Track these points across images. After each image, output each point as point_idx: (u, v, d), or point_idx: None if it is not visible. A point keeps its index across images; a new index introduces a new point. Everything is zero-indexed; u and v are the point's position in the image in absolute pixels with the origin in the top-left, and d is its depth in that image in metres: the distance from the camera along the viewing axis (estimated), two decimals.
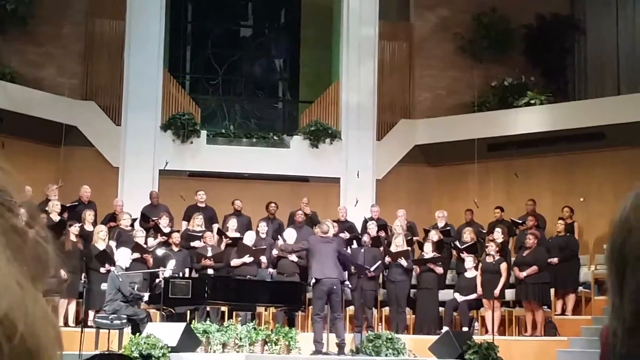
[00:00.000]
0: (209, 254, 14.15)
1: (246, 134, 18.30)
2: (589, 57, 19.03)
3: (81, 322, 12.86)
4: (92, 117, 17.29)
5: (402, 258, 14.26)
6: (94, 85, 17.70)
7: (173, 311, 12.42)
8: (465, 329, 13.95)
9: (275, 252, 14.57)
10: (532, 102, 17.55)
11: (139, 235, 14.16)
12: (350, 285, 14.13)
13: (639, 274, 0.88)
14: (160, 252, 13.72)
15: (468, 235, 15.04)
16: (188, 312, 12.81)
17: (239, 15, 20.56)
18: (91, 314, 13.27)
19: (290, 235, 14.29)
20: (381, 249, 14.63)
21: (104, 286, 12.45)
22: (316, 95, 18.56)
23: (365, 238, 14.55)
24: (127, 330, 12.08)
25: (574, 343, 13.44)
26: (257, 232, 14.80)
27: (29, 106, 16.28)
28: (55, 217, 14.21)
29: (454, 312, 14.37)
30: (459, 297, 14.27)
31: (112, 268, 12.70)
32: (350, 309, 14.53)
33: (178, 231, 14.76)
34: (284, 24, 20.75)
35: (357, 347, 12.85)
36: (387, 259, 14.35)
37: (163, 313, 12.66)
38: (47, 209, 14.16)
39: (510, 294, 14.43)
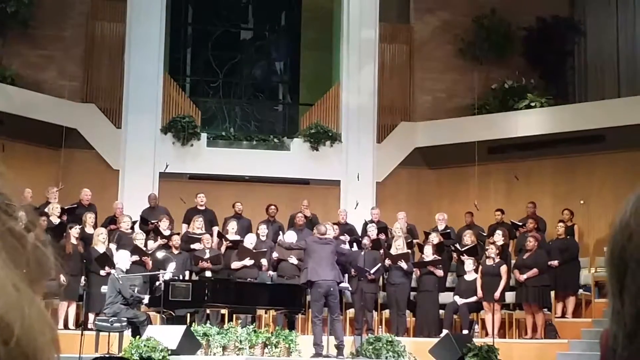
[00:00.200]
0: (207, 256, 14.16)
1: (246, 137, 18.30)
2: (589, 60, 19.03)
3: (81, 324, 12.84)
4: (92, 119, 17.30)
5: (402, 261, 14.25)
6: (95, 88, 17.70)
7: (173, 314, 12.41)
8: (465, 331, 13.94)
9: (275, 255, 14.57)
10: (533, 104, 17.56)
11: (139, 238, 14.16)
12: (350, 288, 14.13)
13: None
14: (160, 254, 13.72)
15: (468, 238, 15.03)
16: (188, 314, 12.79)
17: (239, 17, 20.57)
18: (91, 316, 13.27)
19: (290, 237, 14.29)
20: (381, 251, 14.62)
21: (104, 289, 12.45)
22: (316, 97, 18.56)
23: (366, 241, 14.55)
24: (127, 333, 12.07)
25: (574, 346, 13.44)
26: (258, 235, 14.79)
27: (30, 109, 16.28)
28: (55, 220, 14.22)
29: (454, 315, 14.36)
30: (459, 300, 14.26)
31: (112, 271, 12.70)
32: (351, 312, 14.53)
33: (178, 234, 14.76)
34: (284, 26, 20.75)
35: (357, 350, 12.84)
36: (387, 262, 14.35)
37: (163, 316, 12.65)
38: (47, 211, 14.17)
39: (510, 297, 14.42)
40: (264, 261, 14.26)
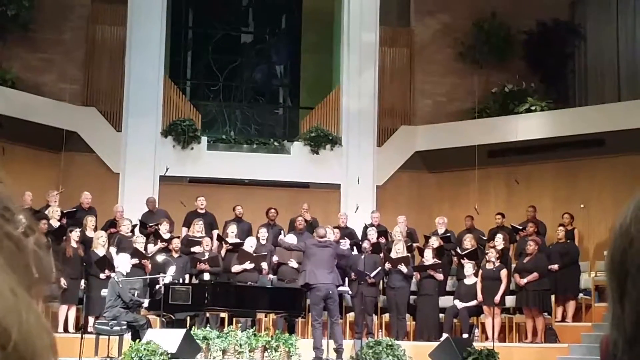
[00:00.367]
0: (205, 257, 14.18)
1: (247, 140, 18.31)
2: (589, 64, 19.03)
3: (81, 328, 12.84)
4: (92, 122, 17.30)
5: (402, 264, 14.25)
6: (95, 91, 17.72)
7: (173, 317, 12.41)
8: (465, 335, 13.93)
9: (275, 258, 14.57)
10: (533, 108, 17.56)
11: (139, 241, 14.16)
12: (350, 292, 14.13)
13: None
14: (160, 258, 13.72)
15: (469, 242, 15.02)
16: (188, 318, 12.79)
17: (239, 21, 20.59)
18: (91, 320, 13.26)
19: (291, 240, 14.28)
20: (381, 255, 14.62)
21: (104, 292, 12.45)
22: (317, 101, 18.57)
23: (366, 244, 14.55)
24: (127, 336, 12.06)
25: (574, 350, 13.43)
26: (258, 238, 14.80)
27: (30, 112, 16.28)
28: (55, 223, 14.22)
29: (454, 319, 14.35)
30: (459, 304, 14.25)
31: (112, 274, 12.70)
32: (350, 316, 14.53)
33: (178, 237, 14.76)
34: (285, 29, 20.76)
35: (357, 354, 12.83)
36: (387, 265, 14.34)
37: (163, 319, 12.65)
38: (47, 214, 14.17)
39: (510, 301, 14.41)
40: (264, 265, 14.26)
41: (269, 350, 12.12)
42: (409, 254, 14.66)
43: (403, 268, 14.23)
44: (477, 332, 14.48)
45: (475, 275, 14.34)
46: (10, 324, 0.71)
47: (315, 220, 15.94)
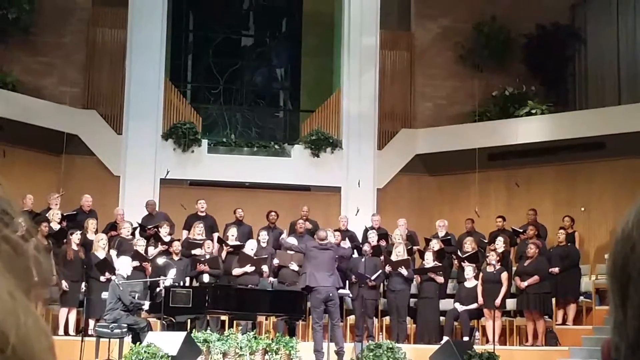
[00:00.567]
0: (205, 258, 14.19)
1: (247, 143, 18.31)
2: (589, 67, 19.03)
3: (81, 331, 12.85)
4: (93, 125, 17.31)
5: (403, 267, 14.25)
6: (95, 94, 17.72)
7: (173, 320, 12.41)
8: (466, 338, 13.93)
9: (276, 261, 14.57)
10: (533, 111, 17.56)
11: (140, 244, 14.16)
12: (350, 294, 14.13)
13: None
14: (160, 261, 13.72)
15: (469, 245, 15.02)
16: (188, 321, 12.79)
17: (240, 24, 20.60)
18: (92, 322, 13.26)
19: (292, 242, 14.29)
20: (382, 258, 14.62)
21: (104, 295, 12.45)
22: (317, 104, 18.57)
23: (366, 247, 14.55)
24: (128, 339, 12.06)
25: (575, 353, 13.43)
26: (258, 241, 14.80)
27: (30, 115, 16.29)
28: (56, 226, 14.22)
29: (454, 322, 14.35)
30: (460, 307, 14.25)
31: (113, 277, 12.70)
32: (351, 318, 14.52)
33: (179, 240, 14.76)
34: (285, 33, 20.77)
35: (357, 357, 12.83)
36: (388, 268, 14.34)
37: (163, 322, 12.65)
38: (47, 216, 14.18)
39: (511, 304, 14.41)
40: (264, 267, 14.26)
41: (269, 353, 12.12)
42: (409, 257, 14.67)
43: (403, 271, 14.24)
44: (477, 335, 14.48)
45: (476, 278, 14.34)
46: (8, 327, 0.71)
47: (316, 223, 15.93)
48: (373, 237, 15.13)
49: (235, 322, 13.50)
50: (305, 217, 15.87)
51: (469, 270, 14.45)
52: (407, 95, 18.99)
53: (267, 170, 17.55)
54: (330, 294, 12.59)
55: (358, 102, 18.10)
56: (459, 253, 15.05)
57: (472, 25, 18.92)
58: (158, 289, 12.63)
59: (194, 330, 12.44)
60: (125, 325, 11.99)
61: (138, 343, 11.44)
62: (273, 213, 15.94)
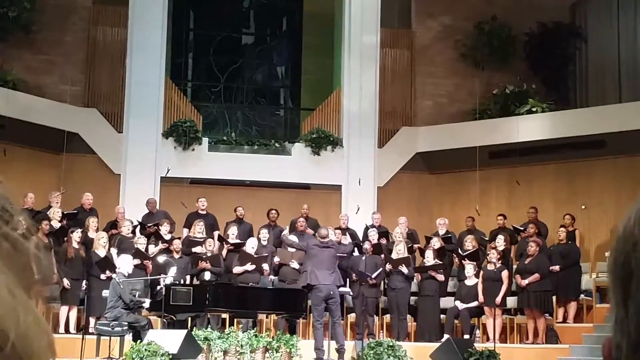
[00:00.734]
0: (207, 256, 14.20)
1: (248, 141, 18.31)
2: (590, 65, 19.04)
3: (82, 329, 12.85)
4: (93, 124, 17.31)
5: (403, 265, 14.25)
6: (96, 93, 17.73)
7: (174, 318, 12.41)
8: (466, 336, 13.93)
9: (276, 259, 14.58)
10: (534, 109, 17.56)
11: (141, 242, 14.17)
12: (351, 293, 14.14)
13: None
14: (161, 259, 13.73)
15: (470, 243, 15.02)
16: (189, 319, 12.80)
17: (241, 22, 20.60)
18: (92, 321, 13.27)
19: (293, 238, 14.30)
20: (382, 256, 14.62)
21: (105, 293, 12.46)
22: (318, 102, 18.57)
23: (367, 245, 14.55)
24: (128, 337, 12.07)
25: (575, 351, 13.43)
26: (259, 239, 14.80)
27: (31, 113, 16.30)
28: (56, 224, 14.23)
29: (455, 320, 14.35)
30: (460, 305, 14.25)
31: (114, 275, 12.71)
32: (352, 316, 14.53)
33: (179, 238, 14.76)
34: (286, 31, 20.77)
35: (358, 355, 12.84)
36: (388, 266, 14.34)
37: (164, 320, 12.65)
38: (48, 214, 14.19)
39: (511, 302, 14.41)
40: (265, 266, 14.26)
41: (270, 351, 12.12)
42: (409, 255, 14.67)
43: (404, 269, 14.24)
44: (478, 333, 14.48)
45: (477, 276, 14.34)
46: (7, 324, 0.71)
47: (316, 220, 15.93)
48: (373, 235, 15.13)
49: (235, 320, 13.51)
50: (305, 215, 15.87)
51: (469, 268, 14.46)
52: (408, 93, 18.99)
53: (268, 169, 17.55)
54: (331, 292, 12.60)
55: (358, 100, 18.10)
56: (459, 251, 15.05)
57: (473, 24, 18.92)
58: (158, 287, 12.63)
59: (194, 328, 12.45)
60: (126, 323, 12.00)
61: (139, 341, 11.45)
62: (273, 211, 15.94)
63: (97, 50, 17.95)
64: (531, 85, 18.49)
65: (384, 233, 15.50)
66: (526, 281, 13.97)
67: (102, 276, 13.41)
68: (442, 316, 14.41)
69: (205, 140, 17.78)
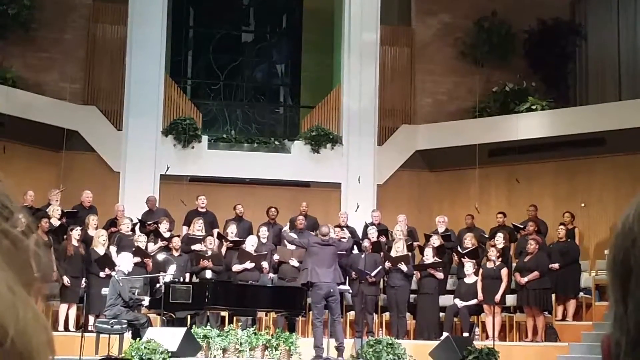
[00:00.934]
0: (209, 254, 14.19)
1: (247, 139, 18.31)
2: (590, 63, 19.03)
3: (81, 327, 12.85)
4: (93, 122, 17.31)
5: (402, 263, 14.25)
6: (96, 90, 17.72)
7: (173, 316, 12.42)
8: (465, 334, 13.94)
9: (276, 257, 14.59)
10: (533, 107, 17.56)
11: (141, 240, 14.17)
12: (350, 290, 14.14)
13: None
14: (160, 257, 13.74)
15: (469, 241, 15.02)
16: (188, 316, 12.80)
17: (240, 20, 20.59)
18: (91, 318, 13.27)
19: (293, 235, 14.29)
20: (382, 254, 14.62)
21: (104, 291, 12.47)
22: (317, 100, 18.57)
23: (366, 243, 14.55)
24: (128, 335, 12.07)
25: (575, 349, 13.44)
26: (258, 237, 14.80)
27: (31, 111, 16.29)
28: (56, 222, 14.23)
29: (454, 318, 14.35)
30: (460, 303, 14.25)
31: (113, 273, 12.71)
32: (351, 314, 14.54)
33: (178, 236, 14.77)
34: (286, 29, 20.77)
35: (357, 353, 12.84)
36: (388, 264, 14.35)
37: (163, 318, 12.66)
38: (48, 212, 14.19)
39: (511, 300, 14.41)
40: (264, 264, 14.27)
41: (269, 349, 12.13)
42: (409, 253, 14.67)
43: (403, 267, 14.24)
44: (477, 330, 14.48)
45: (476, 274, 14.34)
46: (7, 320, 0.71)
47: (315, 219, 15.93)
48: (373, 233, 15.13)
49: (235, 318, 13.52)
50: (304, 213, 15.87)
51: (468, 266, 14.46)
52: (408, 91, 18.98)
53: (267, 166, 17.55)
54: (331, 290, 12.60)
55: (358, 98, 18.10)
56: (459, 249, 15.05)
57: (473, 21, 18.92)
58: (158, 285, 12.63)
59: (193, 326, 12.44)
60: (125, 321, 12.00)
61: (138, 339, 11.45)
62: (273, 209, 15.94)
63: (97, 48, 17.95)
64: (531, 83, 18.48)
65: (383, 231, 15.50)
66: (525, 279, 13.97)
67: (102, 274, 13.41)
68: (441, 314, 14.41)
69: (204, 138, 17.77)
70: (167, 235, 14.68)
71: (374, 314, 14.48)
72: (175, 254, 14.14)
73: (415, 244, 15.54)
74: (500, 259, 14.29)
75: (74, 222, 14.52)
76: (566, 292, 14.79)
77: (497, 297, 13.79)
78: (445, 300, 14.59)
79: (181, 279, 13.41)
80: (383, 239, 15.29)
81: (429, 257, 14.62)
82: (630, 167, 15.99)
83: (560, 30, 18.90)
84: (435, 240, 15.08)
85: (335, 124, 18.14)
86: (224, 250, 14.79)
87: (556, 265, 14.52)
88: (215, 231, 15.50)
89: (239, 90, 20.04)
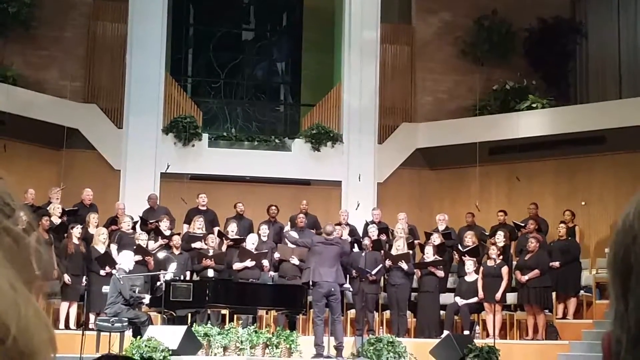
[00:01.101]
0: (211, 253, 14.19)
1: (248, 137, 18.31)
2: (590, 61, 19.02)
3: (82, 325, 12.85)
4: (93, 120, 17.30)
5: (403, 261, 14.25)
6: (96, 88, 17.71)
7: (174, 314, 12.42)
8: (466, 332, 13.94)
9: (277, 255, 14.59)
10: (534, 105, 17.55)
11: (142, 238, 14.17)
12: (351, 289, 14.13)
13: None
14: (161, 255, 13.74)
15: (470, 239, 15.02)
16: (189, 315, 12.80)
17: (241, 18, 20.58)
18: (92, 316, 13.27)
19: (295, 235, 14.29)
20: (382, 252, 14.62)
21: (105, 289, 12.47)
22: (318, 98, 18.56)
23: (366, 241, 14.55)
24: (128, 333, 12.07)
25: (575, 347, 13.44)
26: (259, 235, 14.80)
27: (31, 109, 16.29)
28: (57, 220, 14.23)
29: (455, 316, 14.35)
30: (460, 301, 14.25)
31: (114, 271, 12.71)
32: (352, 313, 14.54)
33: (179, 234, 14.77)
34: (286, 27, 20.75)
35: (358, 351, 12.84)
36: (388, 263, 14.35)
37: (164, 316, 12.66)
38: (48, 210, 14.19)
39: (511, 298, 14.41)
40: (265, 262, 14.26)
41: (270, 347, 12.13)
42: (409, 251, 14.67)
43: (404, 265, 14.24)
44: (478, 329, 14.49)
45: (476, 272, 14.34)
46: (9, 318, 0.71)
47: (315, 217, 15.93)
48: (373, 231, 15.13)
49: (235, 316, 13.51)
50: (304, 211, 15.87)
51: (469, 264, 14.46)
52: (408, 89, 18.97)
53: (268, 165, 17.55)
54: (332, 289, 12.60)
55: (359, 96, 18.10)
56: (459, 247, 15.04)
57: (473, 19, 18.92)
58: (159, 283, 12.64)
59: (194, 324, 12.45)
60: (126, 319, 12.00)
61: (139, 337, 11.46)
62: (274, 207, 15.94)
63: (97, 45, 17.94)
64: (531, 81, 18.47)
65: (383, 229, 15.50)
66: (526, 277, 13.97)
67: (102, 272, 13.42)
68: (442, 312, 14.41)
69: (205, 136, 17.77)
70: (167, 233, 14.68)
71: (375, 312, 14.47)
72: (176, 252, 14.15)
73: (415, 242, 15.54)
74: (500, 257, 14.29)
75: (75, 220, 14.52)
76: (567, 291, 14.79)
77: (498, 295, 13.78)
78: (446, 298, 14.60)
79: (182, 277, 13.41)
80: (383, 237, 15.29)
81: (429, 255, 14.62)
82: (630, 165, 15.98)
83: (560, 29, 18.89)
84: (436, 239, 15.08)
85: (336, 122, 18.13)
86: (224, 248, 14.78)
87: (557, 264, 14.52)
88: (216, 229, 15.50)
89: (239, 89, 20.03)
